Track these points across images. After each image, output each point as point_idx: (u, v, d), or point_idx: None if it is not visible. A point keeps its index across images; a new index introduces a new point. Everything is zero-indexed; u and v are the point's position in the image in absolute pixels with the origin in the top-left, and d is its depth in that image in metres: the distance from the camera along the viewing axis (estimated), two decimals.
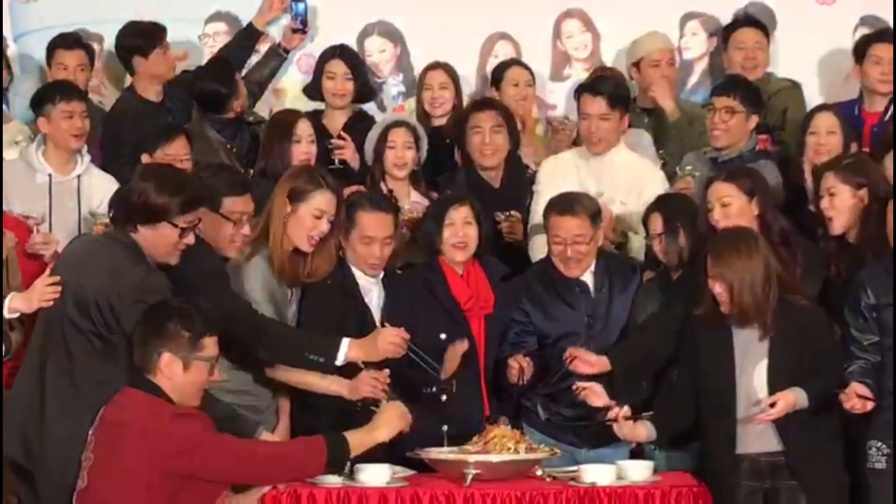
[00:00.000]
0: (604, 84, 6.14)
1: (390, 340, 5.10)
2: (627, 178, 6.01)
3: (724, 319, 5.09)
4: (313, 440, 4.74)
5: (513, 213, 6.05)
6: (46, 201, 5.95)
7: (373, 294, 5.51)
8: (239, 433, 4.81)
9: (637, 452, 5.37)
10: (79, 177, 6.08)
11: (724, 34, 6.97)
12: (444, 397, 5.29)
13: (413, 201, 6.08)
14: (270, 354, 5.12)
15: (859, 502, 5.12)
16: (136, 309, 4.72)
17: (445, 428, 5.07)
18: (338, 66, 6.75)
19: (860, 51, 6.59)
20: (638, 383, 5.39)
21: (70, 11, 7.14)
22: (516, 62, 6.96)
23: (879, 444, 4.96)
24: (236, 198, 5.18)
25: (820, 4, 7.16)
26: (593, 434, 5.41)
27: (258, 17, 7.14)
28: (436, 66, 6.80)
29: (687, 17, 7.27)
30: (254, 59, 7.13)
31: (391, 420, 4.83)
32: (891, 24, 7.07)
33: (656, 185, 6.03)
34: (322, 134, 6.53)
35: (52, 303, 4.86)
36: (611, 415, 5.08)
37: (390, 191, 6.13)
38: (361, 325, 5.35)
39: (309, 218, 5.23)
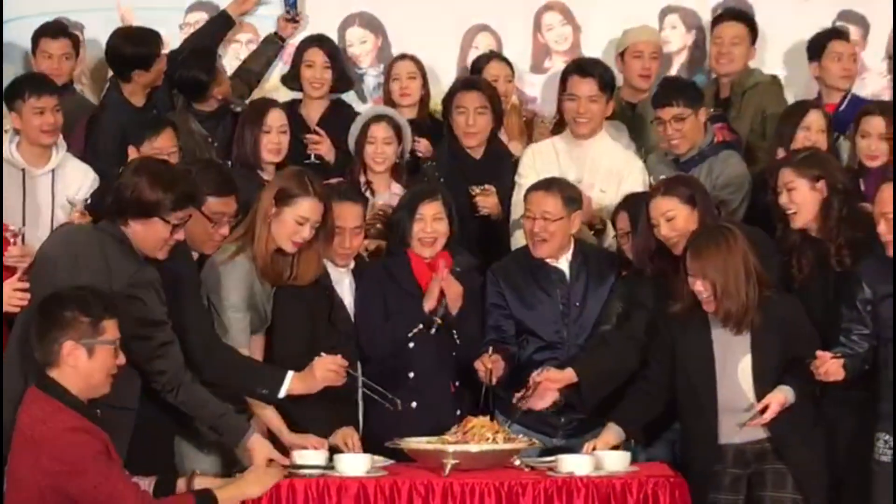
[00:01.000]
0: (594, 66, 6.18)
1: (328, 368, 5.12)
2: (608, 166, 6.05)
3: (702, 316, 5.12)
4: (182, 497, 4.66)
5: (486, 186, 6.08)
6: (21, 195, 5.88)
7: (344, 285, 5.55)
8: (228, 431, 4.88)
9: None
10: (53, 170, 5.99)
11: (711, 26, 6.98)
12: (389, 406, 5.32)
13: (393, 193, 6.10)
14: (214, 378, 5.06)
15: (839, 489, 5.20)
16: (129, 303, 4.72)
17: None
18: (316, 55, 6.77)
19: (817, 47, 6.64)
20: (602, 395, 5.40)
21: (52, 0, 7.12)
22: (496, 56, 6.98)
23: (887, 436, 4.99)
24: (220, 198, 5.18)
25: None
26: (566, 424, 5.47)
27: (232, 6, 7.14)
28: (403, 57, 6.83)
29: (666, 11, 7.29)
30: (236, 49, 7.13)
31: (261, 478, 4.80)
32: (867, 18, 7.14)
33: (636, 174, 6.07)
34: (300, 124, 6.56)
35: (18, 308, 4.83)
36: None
37: (369, 182, 6.15)
38: (333, 316, 5.43)
39: (292, 223, 5.24)
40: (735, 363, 5.10)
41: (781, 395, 5.01)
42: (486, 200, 6.09)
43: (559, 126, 6.51)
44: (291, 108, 6.71)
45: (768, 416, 4.99)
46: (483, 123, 6.23)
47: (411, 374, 5.49)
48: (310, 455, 5.01)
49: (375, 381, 5.38)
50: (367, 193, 6.07)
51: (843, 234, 5.30)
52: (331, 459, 4.99)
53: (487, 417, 5.14)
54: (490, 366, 5.32)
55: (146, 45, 6.69)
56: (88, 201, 5.73)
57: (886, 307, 5.04)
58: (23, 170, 5.94)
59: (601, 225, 5.95)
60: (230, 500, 4.69)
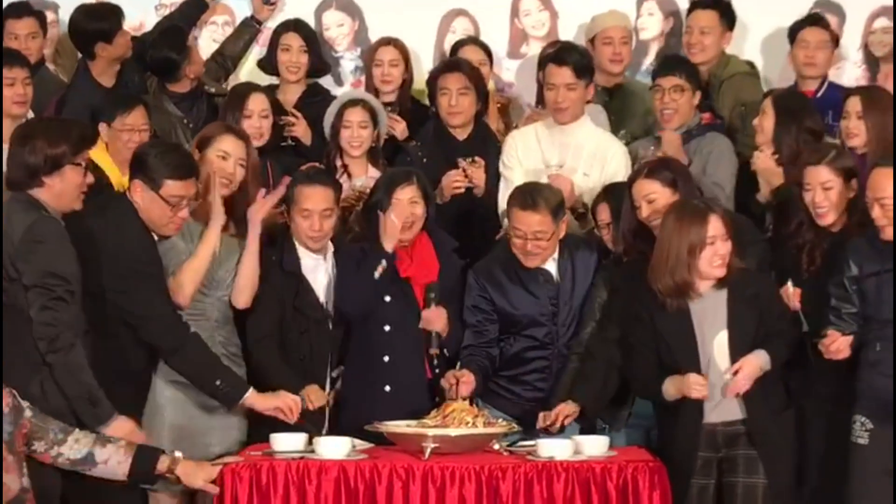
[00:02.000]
0: (569, 53, 6.18)
1: (289, 407, 5.18)
2: (591, 150, 6.05)
3: (683, 292, 5.15)
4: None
5: (476, 158, 6.09)
6: None
7: (318, 273, 5.55)
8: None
9: (588, 429, 5.43)
10: None
11: (686, 16, 6.99)
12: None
13: (370, 177, 6.09)
14: (182, 368, 5.15)
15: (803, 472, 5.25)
16: (29, 250, 4.76)
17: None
18: (293, 39, 6.74)
19: (793, 34, 6.69)
20: (604, 404, 5.44)
21: None
22: (472, 40, 6.97)
23: (863, 419, 5.02)
24: (177, 181, 5.15)
25: None
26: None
27: None
28: (387, 42, 6.79)
29: None
30: (212, 31, 7.09)
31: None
32: (843, 7, 7.17)
33: (619, 158, 6.08)
34: (276, 108, 6.53)
35: None
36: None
37: (346, 166, 6.14)
38: (297, 302, 5.44)
39: (215, 159, 5.34)
40: (712, 338, 5.13)
41: (755, 359, 5.05)
42: (476, 173, 6.08)
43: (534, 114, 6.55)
44: (269, 92, 6.69)
45: (742, 379, 5.01)
46: (466, 104, 6.23)
47: (386, 359, 5.49)
48: (290, 439, 5.01)
49: (353, 364, 5.44)
50: (344, 178, 6.06)
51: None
52: (311, 443, 4.99)
53: (467, 402, 5.14)
54: (453, 382, 5.31)
55: (105, 20, 6.68)
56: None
57: (871, 285, 5.06)
58: None
59: (583, 209, 5.95)
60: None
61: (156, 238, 5.23)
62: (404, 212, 5.46)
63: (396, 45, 6.76)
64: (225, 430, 5.35)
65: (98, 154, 6.03)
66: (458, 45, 6.92)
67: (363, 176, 6.11)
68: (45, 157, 4.87)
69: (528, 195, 5.49)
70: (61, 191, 4.91)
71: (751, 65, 6.90)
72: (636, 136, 6.41)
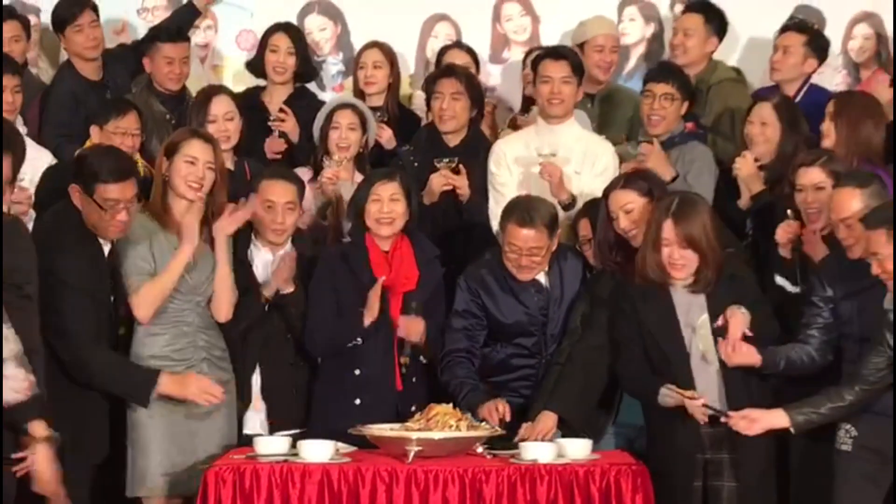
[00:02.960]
0: (565, 49, 6.25)
1: (203, 390, 5.19)
2: (581, 150, 6.05)
3: (663, 286, 5.18)
4: None
5: (455, 161, 6.10)
6: None
7: (257, 262, 5.58)
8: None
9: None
10: None
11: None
12: None
13: (356, 182, 6.07)
14: (87, 381, 5.14)
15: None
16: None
17: None
18: (281, 40, 6.76)
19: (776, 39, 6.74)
20: (586, 411, 5.42)
21: None
22: (458, 45, 7.00)
23: (848, 426, 5.00)
24: (111, 184, 5.12)
25: None
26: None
27: None
28: (372, 45, 6.82)
29: (625, 3, 7.35)
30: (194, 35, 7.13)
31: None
32: (823, 13, 7.21)
33: (608, 156, 6.09)
34: (261, 109, 6.55)
35: None
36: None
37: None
38: (244, 291, 5.47)
39: (182, 165, 5.33)
40: (694, 324, 5.16)
41: (739, 314, 5.05)
42: (459, 179, 6.07)
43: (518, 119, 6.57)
44: (253, 95, 6.71)
45: (731, 337, 5.02)
46: (458, 109, 6.25)
47: (357, 372, 5.48)
48: (273, 442, 5.02)
49: (323, 376, 5.51)
50: (326, 182, 6.04)
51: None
52: (294, 446, 4.99)
53: (451, 405, 5.15)
54: (500, 412, 5.29)
55: (66, 8, 6.76)
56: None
57: (847, 307, 5.06)
58: None
59: (569, 199, 5.95)
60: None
61: (105, 244, 5.22)
62: (412, 328, 5.45)
63: (381, 48, 6.78)
64: (209, 435, 5.35)
65: None
66: (444, 50, 6.94)
67: (349, 182, 6.11)
68: None
69: (525, 211, 5.48)
70: None
71: (737, 71, 6.92)
72: (617, 142, 6.42)
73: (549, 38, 7.23)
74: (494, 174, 6.10)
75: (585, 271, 5.62)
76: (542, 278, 5.57)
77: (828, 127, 5.83)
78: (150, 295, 5.25)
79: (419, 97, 6.85)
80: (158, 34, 6.76)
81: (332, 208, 5.99)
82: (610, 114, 6.64)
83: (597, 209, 5.60)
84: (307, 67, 6.86)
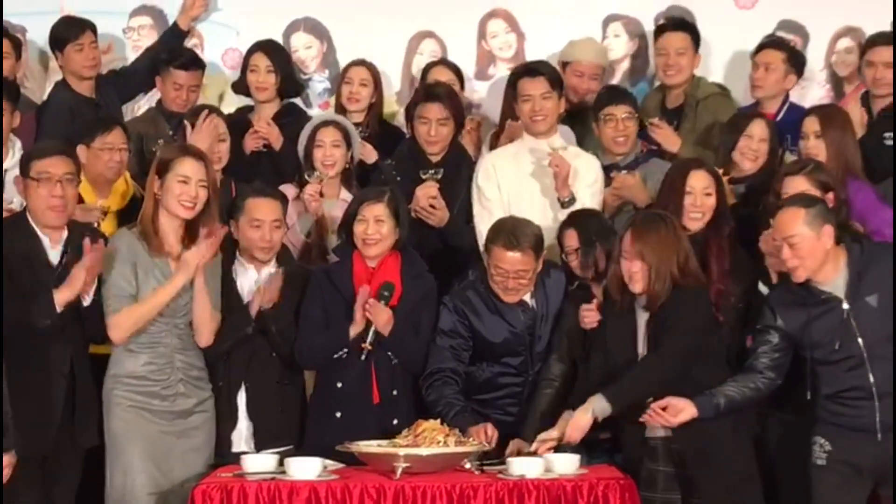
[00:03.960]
0: (542, 65, 6.27)
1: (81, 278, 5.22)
2: (570, 162, 6.04)
3: (630, 304, 5.19)
4: None
5: (438, 171, 6.13)
6: None
7: (244, 279, 5.60)
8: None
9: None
10: (6, 170, 6.02)
11: (654, 37, 7.02)
12: None
13: (342, 199, 6.09)
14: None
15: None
16: None
17: None
18: (259, 60, 6.78)
19: (754, 56, 6.77)
20: None
21: None
22: (443, 62, 7.02)
23: (822, 440, 5.04)
24: (42, 160, 5.26)
25: (739, 9, 7.29)
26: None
27: (182, 17, 7.16)
28: (360, 63, 6.83)
29: (609, 19, 7.36)
30: None
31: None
32: (807, 27, 7.24)
33: (596, 169, 6.11)
34: (249, 128, 6.57)
35: None
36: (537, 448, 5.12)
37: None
38: (229, 309, 5.48)
39: (175, 184, 5.34)
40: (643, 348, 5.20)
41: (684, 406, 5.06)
42: (436, 192, 6.08)
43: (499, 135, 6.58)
44: (242, 114, 6.75)
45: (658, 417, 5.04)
46: (445, 133, 6.25)
47: (339, 384, 5.49)
48: (260, 459, 5.01)
49: (315, 389, 5.55)
50: (310, 200, 6.05)
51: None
52: (282, 464, 4.99)
53: (438, 421, 5.15)
54: (489, 436, 5.30)
55: (64, 29, 6.86)
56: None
57: (808, 335, 5.06)
58: None
59: (569, 197, 5.95)
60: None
61: (52, 252, 5.26)
62: (379, 316, 5.43)
63: (368, 66, 6.80)
64: (187, 454, 5.37)
65: None
66: (428, 67, 6.96)
67: (335, 199, 6.12)
68: None
69: (512, 235, 5.49)
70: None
71: (721, 87, 6.94)
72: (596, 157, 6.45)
73: (534, 55, 7.20)
74: (482, 188, 6.09)
75: (567, 284, 5.63)
76: (527, 298, 5.59)
77: (814, 145, 5.87)
78: (131, 319, 5.28)
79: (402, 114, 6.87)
80: (171, 58, 6.81)
81: (315, 226, 6.00)
82: (589, 129, 6.65)
83: (582, 220, 5.64)
84: (290, 83, 6.87)
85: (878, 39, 6.69)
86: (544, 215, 5.94)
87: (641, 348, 5.18)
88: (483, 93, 7.34)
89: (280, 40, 7.15)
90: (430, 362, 5.52)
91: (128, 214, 5.93)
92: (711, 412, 5.06)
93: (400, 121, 6.89)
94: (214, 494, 4.83)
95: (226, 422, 5.50)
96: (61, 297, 5.16)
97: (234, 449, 5.47)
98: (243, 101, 6.97)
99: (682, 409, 5.03)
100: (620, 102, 6.22)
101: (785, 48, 6.73)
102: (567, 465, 4.99)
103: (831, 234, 5.03)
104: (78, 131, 6.19)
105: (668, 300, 5.12)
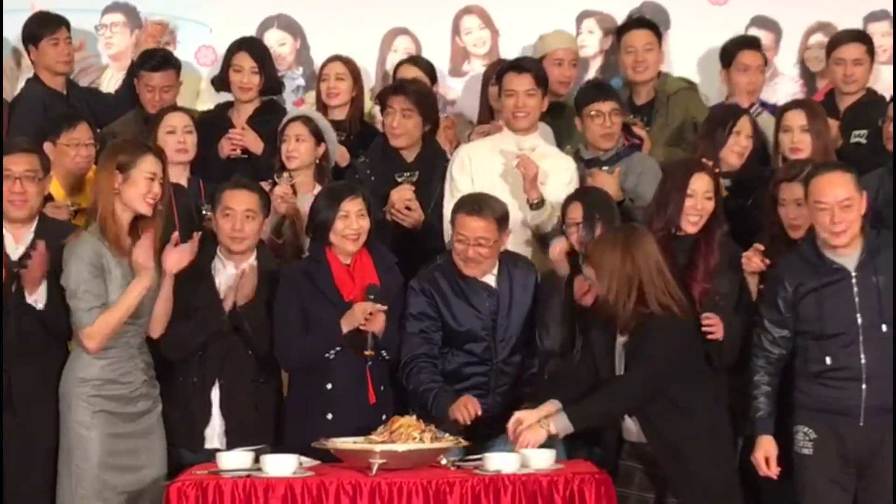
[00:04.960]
0: (528, 62, 6.28)
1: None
2: (545, 165, 6.04)
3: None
4: None
5: (413, 173, 6.13)
6: None
7: (223, 276, 5.58)
8: None
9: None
10: None
11: (616, 36, 7.07)
12: None
13: (315, 194, 6.07)
14: None
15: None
16: None
17: None
18: (244, 60, 6.73)
19: (728, 55, 6.77)
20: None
21: None
22: (413, 60, 7.00)
23: (806, 429, 5.05)
24: (2, 157, 5.31)
25: (713, 4, 7.32)
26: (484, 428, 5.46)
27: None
28: (335, 58, 6.81)
29: (583, 16, 7.38)
30: None
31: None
32: (780, 23, 7.27)
33: (571, 169, 6.11)
34: (229, 126, 6.58)
35: None
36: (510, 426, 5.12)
37: (292, 183, 6.14)
38: (205, 303, 5.49)
39: (143, 181, 5.32)
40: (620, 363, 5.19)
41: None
42: (411, 195, 6.08)
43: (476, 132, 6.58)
44: (221, 111, 6.72)
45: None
46: (409, 126, 6.23)
47: (329, 386, 5.47)
48: (236, 457, 5.00)
49: (294, 391, 5.50)
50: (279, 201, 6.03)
51: None
52: (257, 461, 4.98)
53: (414, 417, 5.15)
54: (471, 411, 5.31)
55: (37, 25, 6.84)
56: None
57: (809, 302, 5.10)
58: None
59: (538, 199, 5.95)
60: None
61: (13, 249, 5.31)
62: (377, 321, 5.41)
63: (344, 61, 6.78)
64: (150, 451, 5.38)
65: None
66: (399, 64, 6.95)
67: (308, 194, 6.10)
68: None
69: (476, 202, 5.55)
70: None
71: (688, 81, 6.97)
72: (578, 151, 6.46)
73: (508, 51, 7.25)
74: (455, 180, 6.08)
75: (538, 286, 5.62)
76: (492, 282, 5.59)
77: (800, 139, 5.90)
78: (108, 329, 5.27)
79: (378, 111, 6.85)
80: (143, 60, 6.79)
81: (290, 224, 5.98)
82: (569, 125, 6.66)
83: (589, 195, 5.71)
84: (273, 83, 6.84)
85: (843, 37, 6.74)
86: (513, 215, 5.93)
87: (618, 367, 5.16)
88: (458, 89, 7.34)
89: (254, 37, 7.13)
90: (404, 351, 5.52)
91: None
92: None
93: (377, 118, 6.86)
94: (190, 492, 4.82)
95: (199, 418, 5.48)
96: None
97: (207, 445, 5.46)
98: (217, 98, 6.95)
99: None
100: (607, 98, 6.20)
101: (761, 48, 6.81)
102: (543, 460, 4.99)
103: (866, 201, 5.10)
104: (46, 128, 6.17)
105: (639, 326, 5.08)
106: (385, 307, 5.40)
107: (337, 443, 5.06)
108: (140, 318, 5.38)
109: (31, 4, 7.11)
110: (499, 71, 6.35)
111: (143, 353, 5.43)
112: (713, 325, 5.31)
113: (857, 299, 5.04)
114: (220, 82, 6.82)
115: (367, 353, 5.42)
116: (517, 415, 5.11)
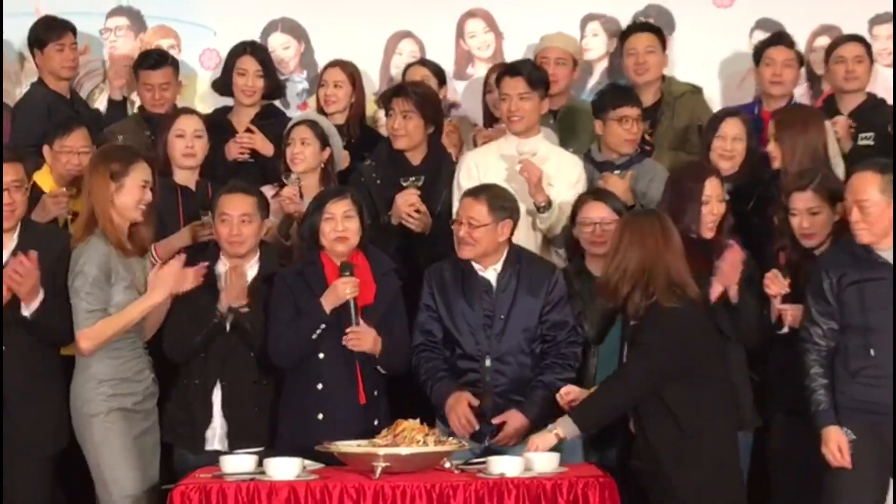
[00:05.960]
0: (522, 65, 6.25)
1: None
2: (553, 162, 6.05)
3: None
4: None
5: (419, 178, 6.13)
6: None
7: (224, 281, 5.58)
8: None
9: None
10: None
11: (619, 41, 7.05)
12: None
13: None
14: None
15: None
16: None
17: None
18: (249, 63, 6.72)
19: (758, 54, 6.76)
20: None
21: None
22: (422, 62, 7.01)
23: (845, 429, 5.01)
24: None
25: (718, 7, 7.31)
26: (491, 434, 5.47)
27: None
28: (335, 63, 6.80)
29: (588, 19, 7.37)
30: None
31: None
32: (784, 26, 7.25)
33: (578, 169, 6.10)
34: (229, 130, 6.55)
35: None
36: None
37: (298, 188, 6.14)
38: (208, 304, 5.49)
39: (136, 190, 5.36)
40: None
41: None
42: (417, 200, 6.06)
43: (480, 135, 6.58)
44: (221, 115, 6.71)
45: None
46: (410, 127, 6.21)
47: (319, 386, 5.46)
48: (239, 460, 5.00)
49: (287, 392, 5.50)
50: (286, 202, 6.03)
51: None
52: (261, 464, 4.98)
53: (417, 420, 5.14)
54: (469, 424, 5.38)
55: (43, 29, 6.85)
56: None
57: (851, 294, 5.06)
58: None
59: (545, 202, 5.94)
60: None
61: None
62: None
63: (344, 67, 6.76)
64: (152, 451, 5.43)
65: (42, 176, 6.06)
66: (408, 67, 6.95)
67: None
68: None
69: (479, 187, 5.65)
70: None
71: (693, 85, 6.94)
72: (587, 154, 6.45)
73: (512, 54, 7.23)
74: (463, 187, 6.02)
75: (556, 289, 5.56)
76: (492, 278, 5.57)
77: (773, 147, 5.89)
78: (106, 335, 5.29)
79: (382, 115, 6.84)
80: (140, 59, 6.80)
81: (296, 226, 5.98)
82: (572, 128, 6.65)
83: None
84: (276, 86, 6.83)
85: (842, 38, 6.74)
86: (524, 216, 5.92)
87: (624, 357, 5.17)
88: (462, 92, 7.33)
89: (258, 40, 7.12)
90: (413, 342, 5.56)
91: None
92: None
93: (381, 121, 6.86)
94: (193, 495, 4.82)
95: (200, 419, 5.49)
96: None
97: (208, 447, 5.46)
98: (220, 101, 6.95)
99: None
100: (635, 105, 6.21)
101: (792, 44, 6.74)
102: (547, 463, 4.99)
103: None
104: (47, 132, 6.19)
105: (645, 315, 5.09)
106: (372, 330, 5.41)
107: (340, 446, 5.05)
108: (144, 320, 5.42)
109: (35, 9, 7.12)
110: (497, 76, 6.33)
111: (145, 353, 5.47)
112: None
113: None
114: (222, 86, 6.81)
115: (352, 327, 5.40)
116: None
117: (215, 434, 5.50)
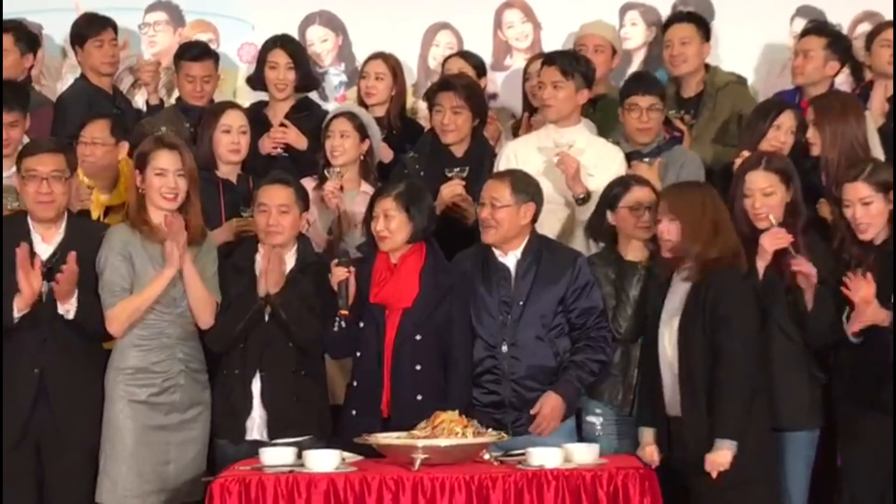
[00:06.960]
0: (559, 54, 6.22)
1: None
2: (593, 152, 6.02)
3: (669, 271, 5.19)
4: None
5: (464, 168, 6.08)
6: None
7: (258, 265, 5.59)
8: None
9: None
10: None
11: (662, 31, 6.99)
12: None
13: (362, 191, 6.07)
14: None
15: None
16: None
17: None
18: (279, 56, 6.72)
19: (871, 36, 6.68)
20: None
21: (9, 0, 7.09)
22: (462, 54, 6.98)
23: None
24: (29, 157, 5.41)
25: None
26: (514, 422, 5.44)
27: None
28: (377, 56, 6.79)
29: (626, 8, 7.35)
30: None
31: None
32: (825, 13, 7.19)
33: (619, 160, 6.05)
34: (265, 124, 6.55)
35: None
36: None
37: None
38: (234, 290, 5.52)
39: (154, 178, 5.40)
40: (669, 324, 5.15)
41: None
42: (462, 191, 6.04)
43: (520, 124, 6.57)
44: (257, 109, 6.71)
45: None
46: (459, 122, 6.20)
47: (354, 384, 5.49)
48: (278, 452, 5.01)
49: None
50: (329, 196, 6.03)
51: None
52: (300, 456, 4.99)
53: (456, 412, 5.12)
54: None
55: (83, 25, 6.90)
56: None
57: None
58: None
59: (584, 193, 5.91)
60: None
61: (43, 248, 5.36)
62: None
63: (385, 59, 6.75)
64: (182, 446, 5.41)
65: None
66: (447, 59, 6.94)
67: (355, 191, 6.10)
68: None
69: (503, 171, 5.67)
70: None
71: (737, 76, 6.88)
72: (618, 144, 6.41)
73: (550, 45, 7.21)
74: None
75: (580, 276, 5.53)
76: (510, 263, 5.54)
77: (812, 134, 5.82)
78: (126, 313, 5.35)
79: (421, 106, 6.84)
80: (183, 51, 6.83)
81: (336, 221, 5.99)
82: (610, 117, 6.61)
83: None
84: (308, 79, 6.83)
85: (884, 26, 6.65)
86: (561, 211, 5.89)
87: (666, 317, 5.13)
88: (499, 83, 7.32)
89: (295, 34, 7.14)
90: None
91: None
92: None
93: (423, 113, 6.84)
94: (233, 488, 4.82)
95: (240, 409, 5.49)
96: (16, 304, 5.28)
97: (248, 437, 5.47)
98: (258, 94, 6.96)
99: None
100: (647, 93, 6.13)
101: (827, 34, 6.61)
102: (586, 455, 4.97)
103: None
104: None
105: (713, 281, 5.05)
106: (353, 270, 5.42)
107: (379, 438, 5.05)
108: (174, 309, 5.42)
109: (75, 4, 7.16)
110: (528, 68, 6.34)
111: (183, 346, 5.45)
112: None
113: None
114: (256, 80, 6.81)
115: (341, 312, 5.41)
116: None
117: (254, 424, 5.51)
